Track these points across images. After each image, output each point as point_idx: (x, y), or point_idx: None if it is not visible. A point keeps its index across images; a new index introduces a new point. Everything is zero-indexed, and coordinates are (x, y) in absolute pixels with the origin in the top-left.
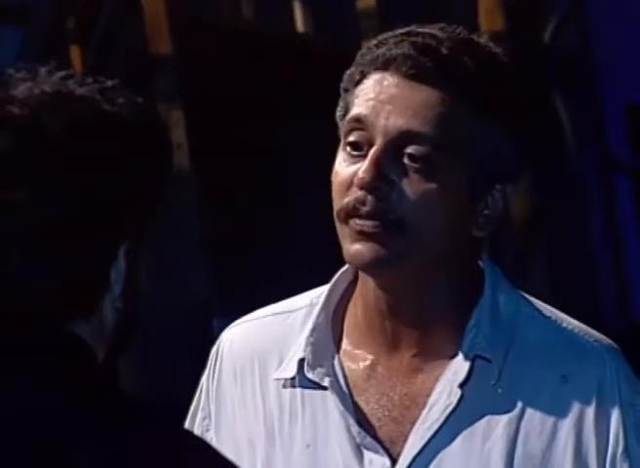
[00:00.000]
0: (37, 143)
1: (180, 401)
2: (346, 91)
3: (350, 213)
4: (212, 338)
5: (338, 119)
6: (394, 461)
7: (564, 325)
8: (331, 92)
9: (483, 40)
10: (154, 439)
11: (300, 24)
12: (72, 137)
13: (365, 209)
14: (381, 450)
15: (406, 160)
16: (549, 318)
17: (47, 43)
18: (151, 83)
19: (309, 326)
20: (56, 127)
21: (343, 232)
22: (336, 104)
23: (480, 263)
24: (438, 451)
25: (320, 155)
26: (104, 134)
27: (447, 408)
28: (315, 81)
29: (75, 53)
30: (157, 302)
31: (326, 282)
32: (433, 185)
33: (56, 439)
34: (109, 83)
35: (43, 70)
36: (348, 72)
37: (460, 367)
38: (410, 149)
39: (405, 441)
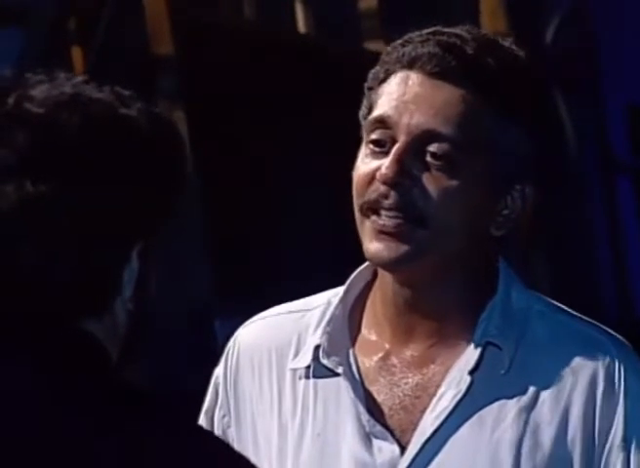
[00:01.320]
0: (53, 141)
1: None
2: (370, 89)
3: (373, 206)
4: (213, 339)
5: (361, 117)
6: (404, 449)
7: (574, 320)
8: (331, 92)
9: (507, 42)
10: (155, 437)
11: (300, 25)
12: (88, 137)
13: (387, 202)
14: (391, 438)
15: (428, 157)
16: (560, 314)
17: (48, 44)
18: (153, 83)
19: (326, 318)
20: (72, 126)
21: (364, 228)
22: (336, 104)
23: (496, 264)
24: (447, 439)
25: (320, 155)
26: (120, 135)
27: (456, 395)
28: (315, 81)
29: (76, 53)
30: (158, 303)
31: (327, 281)
32: (455, 182)
33: (55, 438)
34: (125, 92)
35: (62, 75)
36: (373, 71)
37: (471, 355)
38: (432, 147)
39: (415, 429)
